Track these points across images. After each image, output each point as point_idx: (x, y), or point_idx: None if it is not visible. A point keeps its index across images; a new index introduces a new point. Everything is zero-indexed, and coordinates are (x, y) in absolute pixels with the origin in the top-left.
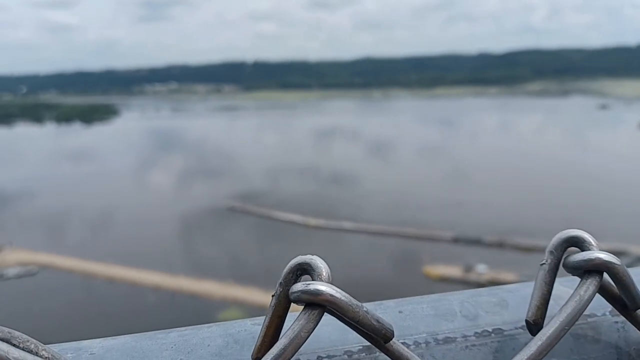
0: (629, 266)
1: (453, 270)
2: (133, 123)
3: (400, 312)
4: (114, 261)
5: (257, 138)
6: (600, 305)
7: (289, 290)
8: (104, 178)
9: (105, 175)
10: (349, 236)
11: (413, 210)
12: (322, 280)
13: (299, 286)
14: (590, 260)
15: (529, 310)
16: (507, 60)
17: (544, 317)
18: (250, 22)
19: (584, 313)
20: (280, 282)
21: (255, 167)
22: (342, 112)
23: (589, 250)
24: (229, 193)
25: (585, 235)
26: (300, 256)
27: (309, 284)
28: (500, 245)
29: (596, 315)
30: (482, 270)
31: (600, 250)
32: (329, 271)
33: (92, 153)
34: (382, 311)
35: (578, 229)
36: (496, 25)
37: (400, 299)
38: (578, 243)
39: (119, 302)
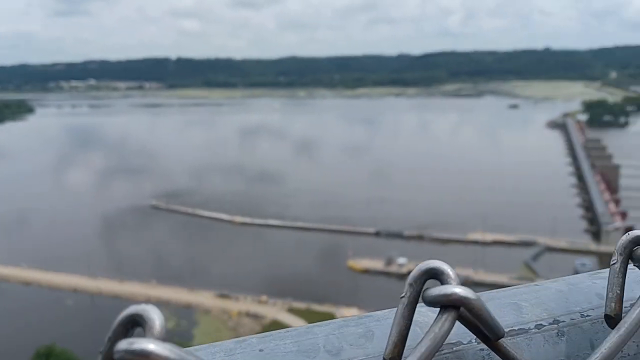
0: (536, 256)
1: (375, 264)
2: (49, 120)
3: (260, 350)
4: (30, 265)
5: (182, 136)
6: (467, 333)
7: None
8: (16, 178)
9: (18, 175)
10: (276, 233)
11: (338, 207)
12: (453, 283)
13: (433, 290)
14: (446, 295)
15: (386, 347)
16: (425, 62)
17: (401, 353)
18: (173, 18)
19: (450, 341)
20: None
21: (180, 165)
22: (267, 110)
23: (447, 283)
24: (152, 192)
25: (444, 267)
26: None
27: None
28: (419, 238)
29: (462, 343)
30: (402, 262)
31: (457, 283)
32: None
33: (3, 152)
34: (241, 350)
35: (438, 260)
36: (415, 28)
37: (264, 335)
38: (437, 275)
39: (34, 306)
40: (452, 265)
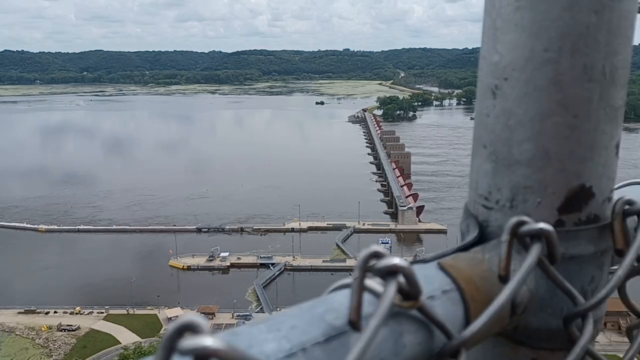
0: (346, 238)
1: (198, 260)
2: None
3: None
4: None
5: None
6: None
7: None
8: None
9: None
10: (89, 238)
11: (156, 205)
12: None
13: (379, 263)
14: (387, 266)
15: (350, 311)
16: (237, 60)
17: (361, 314)
18: None
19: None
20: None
21: None
22: (72, 108)
23: (387, 259)
24: None
25: (382, 249)
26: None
27: (386, 260)
28: (240, 231)
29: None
30: (224, 255)
31: (393, 259)
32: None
33: None
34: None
35: (376, 245)
36: (226, 26)
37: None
38: (377, 255)
39: None
40: (273, 253)
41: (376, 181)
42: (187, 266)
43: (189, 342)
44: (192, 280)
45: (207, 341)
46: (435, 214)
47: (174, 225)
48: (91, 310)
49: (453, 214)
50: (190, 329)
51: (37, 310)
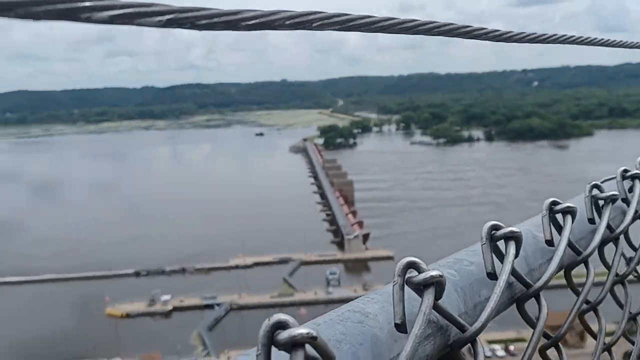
0: (293, 271)
1: (137, 306)
2: None
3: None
4: None
5: None
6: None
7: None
8: None
9: None
10: (17, 290)
11: (91, 251)
12: (427, 270)
13: (419, 276)
14: (425, 278)
15: (395, 315)
16: (172, 94)
17: (405, 321)
18: None
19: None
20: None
21: None
22: None
23: (424, 271)
24: None
25: (418, 260)
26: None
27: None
28: (182, 271)
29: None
30: (166, 299)
31: (429, 270)
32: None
33: None
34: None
35: (412, 256)
36: (158, 60)
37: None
38: (414, 265)
39: None
40: (218, 292)
41: (321, 211)
42: (126, 313)
43: (284, 333)
44: (132, 328)
45: (301, 330)
46: (383, 241)
47: (110, 270)
48: None
49: (402, 239)
50: (281, 326)
51: None
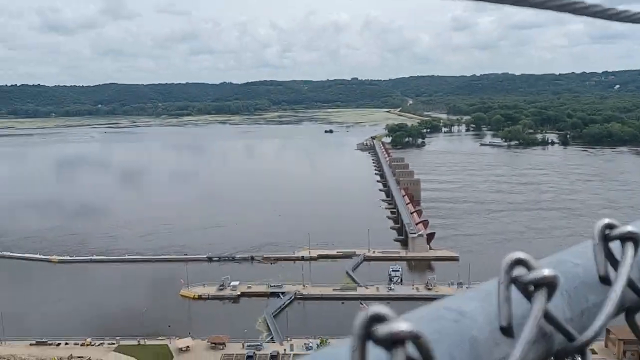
0: (356, 266)
1: (208, 289)
2: None
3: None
4: None
5: None
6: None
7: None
8: None
9: None
10: (102, 268)
11: (170, 235)
12: (538, 268)
13: (528, 274)
14: (537, 277)
15: (500, 317)
16: (248, 91)
17: (511, 323)
18: None
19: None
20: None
21: None
22: (86, 140)
23: (533, 269)
24: None
25: (527, 256)
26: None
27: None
28: (250, 259)
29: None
30: (235, 284)
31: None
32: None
33: None
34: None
35: (520, 251)
36: (236, 58)
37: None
38: (522, 262)
39: None
40: (283, 281)
41: (386, 208)
42: (198, 295)
43: (384, 327)
44: (203, 310)
45: (403, 325)
46: (448, 241)
47: (185, 255)
48: (102, 342)
49: (467, 241)
50: (379, 319)
51: (49, 342)
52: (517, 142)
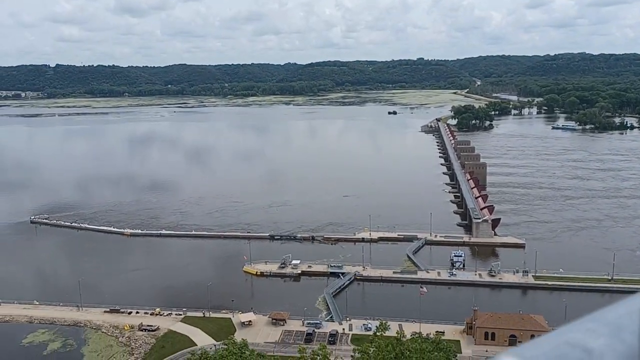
0: (417, 250)
1: (270, 267)
2: None
3: None
4: None
5: (64, 147)
6: None
7: None
8: None
9: None
10: (170, 242)
11: (235, 213)
12: None
13: None
14: None
15: None
16: (311, 71)
17: None
18: (52, 24)
19: None
20: None
21: (64, 178)
22: (157, 119)
23: None
24: (33, 207)
25: None
26: None
27: None
28: (311, 239)
29: None
30: (295, 263)
31: None
32: None
33: None
34: None
35: None
36: (300, 38)
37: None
38: None
39: None
40: (344, 262)
41: (449, 192)
42: (260, 272)
43: None
44: (265, 287)
45: None
46: (516, 228)
47: (248, 232)
48: (170, 312)
49: (541, 228)
50: None
51: (121, 310)
52: (592, 125)
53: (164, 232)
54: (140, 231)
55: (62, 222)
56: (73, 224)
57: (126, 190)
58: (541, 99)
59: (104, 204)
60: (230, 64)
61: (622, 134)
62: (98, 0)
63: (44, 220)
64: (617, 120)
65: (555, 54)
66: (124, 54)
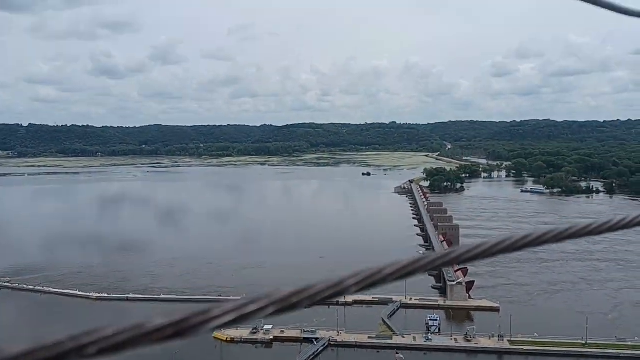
0: (392, 313)
1: (241, 332)
2: None
3: None
4: None
5: (31, 207)
6: None
7: None
8: None
9: None
10: (139, 307)
11: (208, 275)
12: None
13: None
14: None
15: None
16: (287, 133)
17: None
18: (27, 85)
19: None
20: None
21: (29, 239)
22: (130, 179)
23: None
24: None
25: None
26: None
27: None
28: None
29: None
30: (268, 328)
31: None
32: None
33: None
34: None
35: None
36: (277, 101)
37: None
38: None
39: None
40: (317, 327)
41: (423, 254)
42: (231, 338)
43: None
44: (235, 354)
45: None
46: (490, 291)
47: (219, 296)
48: None
49: (516, 291)
50: None
51: None
52: (559, 189)
53: (131, 295)
54: (107, 295)
55: (25, 286)
56: (36, 287)
57: (96, 251)
58: (509, 162)
59: (73, 265)
60: (207, 124)
61: (589, 197)
62: (76, 62)
63: (6, 284)
64: (584, 184)
65: (521, 120)
66: (99, 114)
